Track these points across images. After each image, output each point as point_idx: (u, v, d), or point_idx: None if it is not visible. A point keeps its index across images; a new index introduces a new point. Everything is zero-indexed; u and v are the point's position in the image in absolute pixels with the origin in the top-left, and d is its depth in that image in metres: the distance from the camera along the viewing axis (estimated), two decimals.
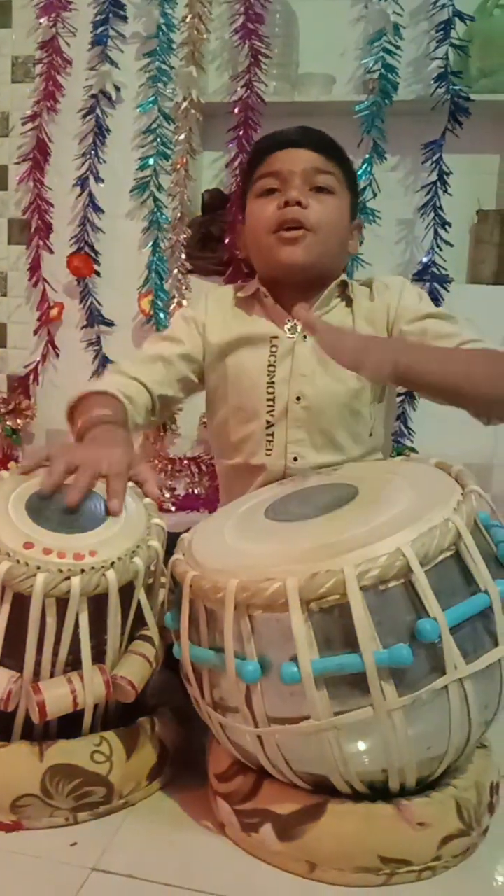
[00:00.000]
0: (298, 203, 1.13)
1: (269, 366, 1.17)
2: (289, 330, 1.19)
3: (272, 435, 1.17)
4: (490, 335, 1.12)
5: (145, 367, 1.21)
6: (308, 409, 1.16)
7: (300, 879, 0.75)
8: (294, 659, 0.70)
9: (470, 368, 0.99)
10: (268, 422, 1.17)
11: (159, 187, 2.22)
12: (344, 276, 1.22)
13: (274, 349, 1.18)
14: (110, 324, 2.32)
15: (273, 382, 1.17)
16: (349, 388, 1.15)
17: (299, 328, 1.18)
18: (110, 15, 2.20)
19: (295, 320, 1.19)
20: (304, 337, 1.18)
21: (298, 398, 1.16)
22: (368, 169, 2.04)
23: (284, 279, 1.19)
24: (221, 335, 1.22)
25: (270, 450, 1.17)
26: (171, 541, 0.91)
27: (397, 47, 2.03)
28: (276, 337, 1.19)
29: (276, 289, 1.21)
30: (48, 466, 0.91)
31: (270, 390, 1.17)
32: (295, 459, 1.15)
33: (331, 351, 0.89)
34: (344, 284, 1.21)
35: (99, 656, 0.83)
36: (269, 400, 1.17)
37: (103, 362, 2.33)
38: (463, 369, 0.99)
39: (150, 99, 2.20)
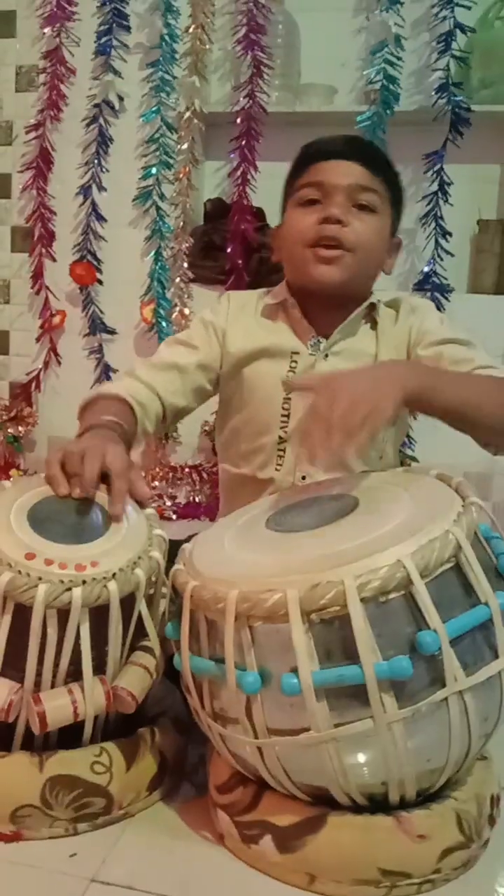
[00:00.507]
0: (339, 221, 1.11)
1: None
2: (311, 346, 1.18)
3: (283, 451, 1.16)
4: (490, 345, 1.12)
5: (160, 374, 1.19)
6: None
7: (299, 891, 0.75)
8: (294, 670, 0.70)
9: (482, 394, 0.98)
10: (280, 437, 1.16)
11: (162, 196, 2.24)
12: (373, 298, 1.19)
13: (294, 364, 1.17)
14: (112, 332, 2.33)
15: (289, 398, 1.15)
16: None
17: (322, 345, 1.17)
18: (114, 25, 2.22)
19: (318, 337, 1.18)
20: (326, 356, 1.17)
21: None
22: None
23: (315, 293, 1.16)
24: (242, 344, 1.20)
25: (280, 465, 1.16)
26: (173, 549, 0.91)
27: (399, 58, 2.04)
28: (297, 352, 1.17)
29: (304, 300, 1.19)
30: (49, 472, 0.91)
31: (286, 406, 1.16)
32: (303, 478, 1.14)
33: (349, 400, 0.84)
34: (371, 307, 1.19)
35: (100, 667, 0.83)
36: (283, 415, 1.16)
37: (105, 370, 2.34)
38: (475, 395, 0.98)
39: (153, 108, 2.21)
